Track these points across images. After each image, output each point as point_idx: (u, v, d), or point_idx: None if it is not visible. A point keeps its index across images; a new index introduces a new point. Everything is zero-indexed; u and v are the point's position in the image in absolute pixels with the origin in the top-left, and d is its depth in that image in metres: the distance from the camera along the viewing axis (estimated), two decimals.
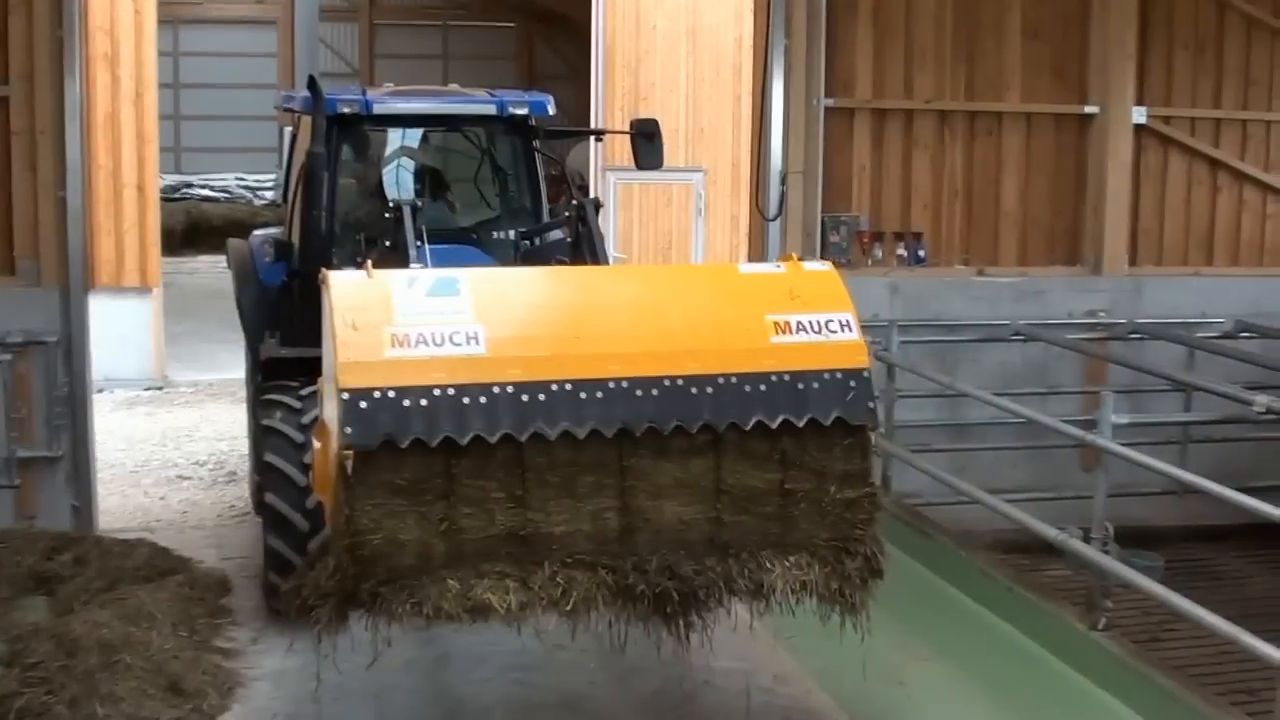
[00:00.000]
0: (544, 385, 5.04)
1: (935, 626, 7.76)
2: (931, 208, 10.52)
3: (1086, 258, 10.68)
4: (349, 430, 4.86)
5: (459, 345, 5.05)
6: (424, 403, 4.92)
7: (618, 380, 5.13)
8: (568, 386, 5.06)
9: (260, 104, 27.24)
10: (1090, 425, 7.54)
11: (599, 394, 5.10)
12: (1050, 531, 7.44)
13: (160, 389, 14.00)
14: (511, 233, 8.32)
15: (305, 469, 6.95)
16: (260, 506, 7.87)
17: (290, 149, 9.12)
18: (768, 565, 5.43)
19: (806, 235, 9.97)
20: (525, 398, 5.01)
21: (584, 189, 8.81)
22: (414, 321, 5.06)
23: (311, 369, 6.30)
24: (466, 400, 4.96)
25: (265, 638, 7.45)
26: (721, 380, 5.25)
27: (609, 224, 14.92)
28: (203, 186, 26.85)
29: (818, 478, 5.44)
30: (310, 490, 6.88)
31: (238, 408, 12.67)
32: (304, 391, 7.32)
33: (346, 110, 8.03)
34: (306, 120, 8.21)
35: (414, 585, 5.11)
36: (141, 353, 13.98)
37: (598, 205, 7.87)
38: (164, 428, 12.46)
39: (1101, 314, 10.49)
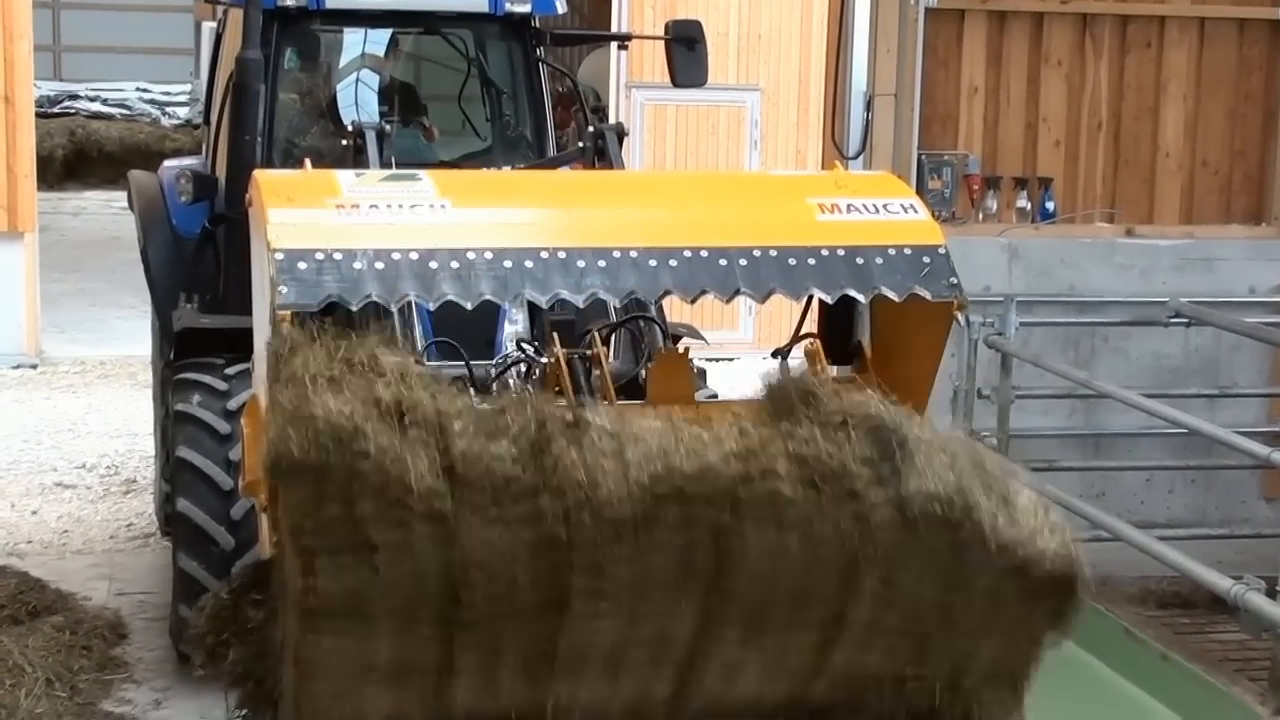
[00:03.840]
0: (531, 252, 5.31)
1: (1063, 705, 7.76)
2: (1065, 145, 10.49)
3: (1276, 215, 10.65)
4: (284, 290, 5.05)
5: (421, 214, 5.38)
6: (380, 266, 5.17)
7: (625, 249, 5.38)
8: (561, 254, 5.31)
9: None
10: (1277, 439, 7.52)
11: (601, 262, 5.33)
12: (1221, 581, 7.43)
13: (33, 367, 14.07)
14: (507, 169, 8.35)
15: (230, 468, 7.01)
16: (170, 521, 7.91)
17: (214, 53, 9.15)
18: None
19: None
20: (508, 263, 5.27)
21: (601, 111, 8.84)
22: (365, 195, 5.41)
23: (239, 344, 6.36)
24: (434, 264, 5.21)
25: (171, 699, 7.51)
26: (758, 252, 5.46)
27: (634, 157, 14.94)
28: (92, 99, 26.92)
29: None
30: (236, 495, 6.95)
31: (139, 394, 12.73)
32: (230, 370, 7.37)
33: (290, 2, 8.06)
34: (236, 15, 8.24)
35: None
36: (9, 319, 14.04)
37: (621, 133, 7.89)
38: (38, 419, 12.52)
39: None
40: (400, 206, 5.38)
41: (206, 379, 7.47)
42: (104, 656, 7.84)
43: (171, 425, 7.61)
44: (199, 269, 8.31)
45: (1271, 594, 7.22)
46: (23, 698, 6.98)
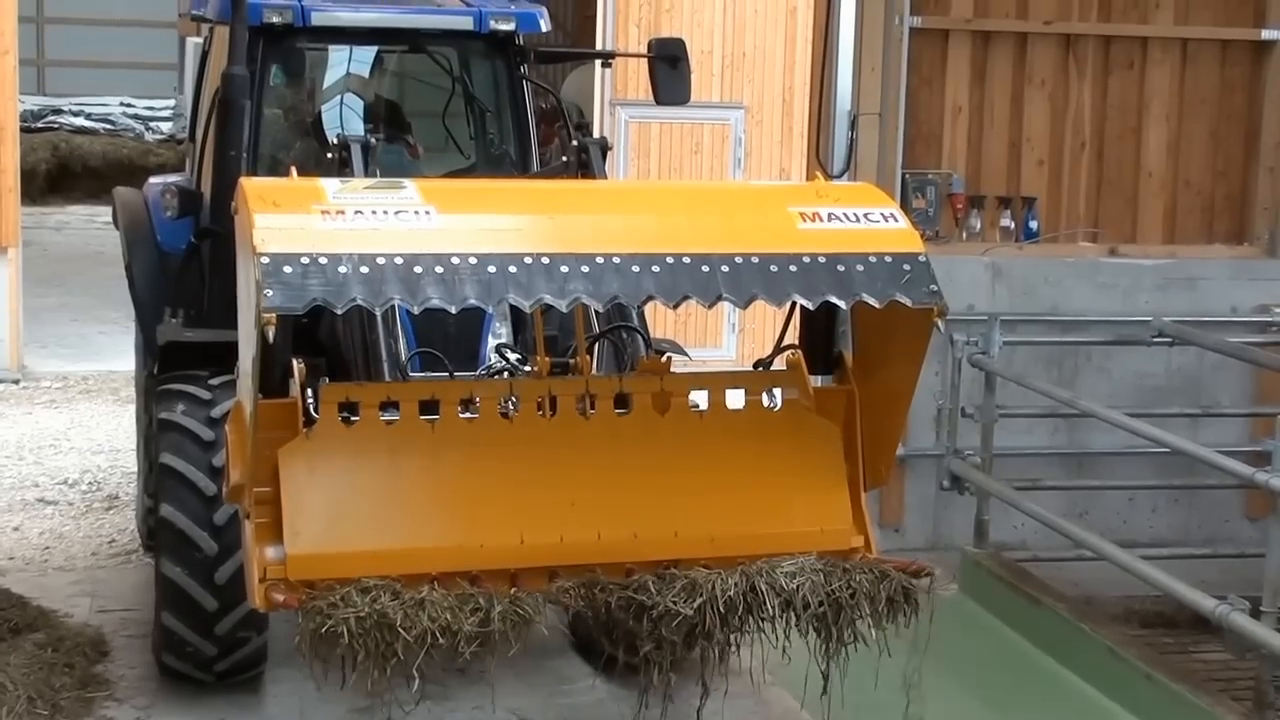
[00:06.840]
0: (515, 257, 5.38)
1: None
2: (1049, 165, 10.52)
3: (1258, 235, 10.67)
4: (269, 293, 5.10)
5: (406, 220, 5.42)
6: (365, 270, 5.23)
7: (608, 255, 5.44)
8: (545, 260, 5.38)
9: (156, 5, 27.29)
10: (1260, 459, 7.51)
11: (584, 269, 5.39)
12: (1205, 601, 7.43)
13: (16, 382, 14.00)
14: None
15: (214, 474, 7.01)
16: (153, 533, 7.89)
17: (200, 69, 9.14)
18: None
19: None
20: (492, 269, 5.34)
21: (585, 128, 8.83)
22: (350, 201, 5.46)
23: (223, 358, 6.34)
24: (419, 269, 5.27)
25: (153, 717, 7.46)
26: (740, 259, 5.52)
27: (618, 174, 14.92)
28: (76, 114, 26.84)
29: None
30: (219, 501, 6.95)
31: (121, 410, 12.69)
32: (214, 381, 7.37)
33: (276, 20, 8.05)
34: (222, 32, 8.21)
35: None
36: None
37: (605, 147, 7.89)
38: (20, 435, 12.46)
39: (1277, 310, 10.49)
40: (385, 212, 5.41)
41: (190, 389, 7.47)
42: (86, 674, 7.79)
43: (156, 432, 7.60)
44: (183, 284, 8.30)
45: (1255, 614, 7.22)
46: (4, 716, 6.93)
